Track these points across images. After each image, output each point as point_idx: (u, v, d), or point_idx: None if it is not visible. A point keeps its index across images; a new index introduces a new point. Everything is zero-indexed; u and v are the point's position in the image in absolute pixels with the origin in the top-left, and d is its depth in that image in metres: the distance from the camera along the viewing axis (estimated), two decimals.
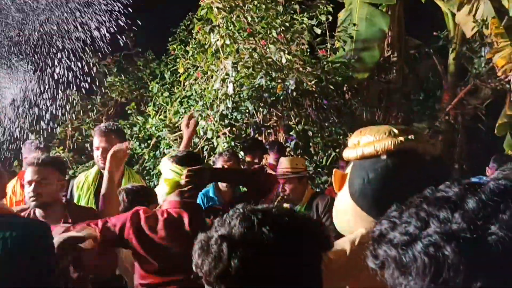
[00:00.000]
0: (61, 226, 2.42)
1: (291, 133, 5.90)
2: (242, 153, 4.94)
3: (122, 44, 7.34)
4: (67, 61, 6.59)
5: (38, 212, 2.89)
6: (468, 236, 0.68)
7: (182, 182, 2.51)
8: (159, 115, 6.58)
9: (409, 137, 1.45)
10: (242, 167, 4.90)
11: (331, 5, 6.15)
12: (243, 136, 5.60)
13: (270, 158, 5.33)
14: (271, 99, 5.67)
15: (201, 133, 5.57)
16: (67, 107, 7.09)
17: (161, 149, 6.16)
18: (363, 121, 7.00)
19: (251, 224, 0.92)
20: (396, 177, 1.44)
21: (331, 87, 5.76)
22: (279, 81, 5.58)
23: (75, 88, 7.04)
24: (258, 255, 0.95)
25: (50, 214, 2.85)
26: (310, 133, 5.90)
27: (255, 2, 5.61)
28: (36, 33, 6.26)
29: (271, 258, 0.95)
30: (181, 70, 6.62)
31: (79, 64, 6.68)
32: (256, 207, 1.00)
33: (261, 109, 5.77)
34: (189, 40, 6.83)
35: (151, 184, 6.28)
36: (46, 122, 6.80)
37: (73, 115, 7.32)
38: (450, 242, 0.68)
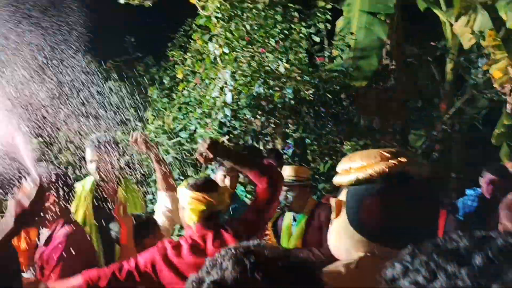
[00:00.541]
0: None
1: (288, 141, 5.93)
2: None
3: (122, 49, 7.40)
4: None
5: None
6: None
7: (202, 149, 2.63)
8: (158, 121, 6.60)
9: (401, 159, 1.47)
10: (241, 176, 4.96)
11: (330, 14, 6.18)
12: (241, 144, 5.63)
13: None
14: (269, 107, 5.71)
15: (199, 141, 5.60)
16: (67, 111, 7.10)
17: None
18: (361, 128, 7.04)
19: (243, 269, 0.93)
20: (392, 201, 1.45)
21: (329, 95, 5.80)
22: (277, 89, 5.62)
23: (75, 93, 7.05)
24: None
25: None
26: (308, 141, 5.93)
27: (254, 11, 5.63)
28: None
29: None
30: (180, 76, 6.65)
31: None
32: (249, 246, 0.99)
33: (259, 117, 5.81)
34: (188, 46, 6.86)
35: (148, 191, 6.32)
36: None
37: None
38: None
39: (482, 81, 6.56)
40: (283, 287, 0.96)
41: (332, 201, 1.56)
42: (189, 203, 2.59)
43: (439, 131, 6.98)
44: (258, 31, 5.67)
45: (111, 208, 3.63)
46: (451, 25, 6.94)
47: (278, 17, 5.77)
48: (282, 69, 5.47)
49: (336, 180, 1.56)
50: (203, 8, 5.58)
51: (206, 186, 2.61)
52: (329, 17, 6.17)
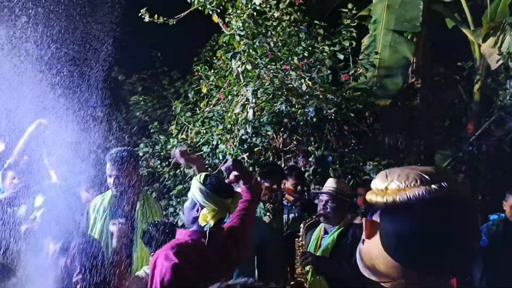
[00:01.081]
0: None
1: (310, 159, 5.89)
2: (258, 178, 4.96)
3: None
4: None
5: None
6: None
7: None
8: (181, 135, 6.66)
9: (443, 184, 1.38)
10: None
11: (355, 31, 6.15)
12: (261, 160, 5.62)
13: (288, 184, 5.34)
14: (291, 124, 5.70)
15: (220, 157, 5.62)
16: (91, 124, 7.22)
17: (181, 168, 6.22)
18: (384, 148, 6.95)
19: None
20: (432, 228, 1.37)
21: (352, 114, 5.76)
22: (299, 106, 5.61)
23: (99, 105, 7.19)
24: None
25: None
26: (330, 159, 5.88)
27: (278, 29, 5.65)
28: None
29: None
30: (204, 90, 6.71)
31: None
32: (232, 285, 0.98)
33: (281, 134, 5.80)
34: (213, 61, 6.93)
35: (170, 203, 6.36)
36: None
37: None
38: None
39: (510, 103, 6.42)
40: None
41: (365, 221, 1.49)
42: (205, 203, 2.55)
43: (465, 152, 6.83)
44: (281, 48, 5.68)
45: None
46: (479, 45, 6.84)
47: (302, 35, 5.78)
48: (304, 87, 5.45)
49: (371, 198, 1.48)
50: (227, 25, 5.63)
51: (226, 190, 2.62)
52: (354, 35, 6.13)
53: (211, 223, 2.54)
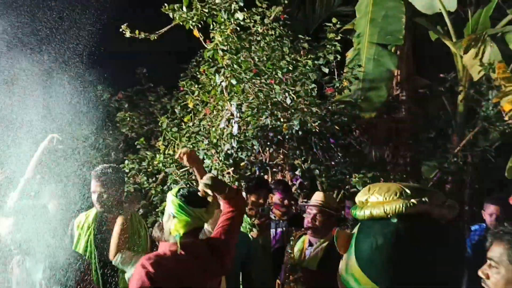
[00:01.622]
0: None
1: (296, 172, 5.89)
2: (244, 193, 4.95)
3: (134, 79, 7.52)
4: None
5: None
6: None
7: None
8: (168, 150, 6.63)
9: (423, 199, 1.35)
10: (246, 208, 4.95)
11: (339, 45, 6.20)
12: (247, 175, 5.61)
13: (275, 198, 5.33)
14: (277, 138, 5.70)
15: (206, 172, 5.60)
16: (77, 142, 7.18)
17: (168, 184, 6.18)
18: (370, 160, 6.98)
19: None
20: (407, 244, 1.32)
21: (337, 127, 5.78)
22: (285, 120, 5.62)
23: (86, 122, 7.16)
24: None
25: None
26: (317, 172, 5.89)
27: (262, 44, 5.69)
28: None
29: None
30: (190, 106, 6.70)
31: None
32: None
33: (267, 148, 5.80)
34: (198, 76, 6.94)
35: (157, 219, 6.31)
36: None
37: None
38: None
39: (493, 114, 6.48)
40: None
41: (337, 233, 1.47)
42: (176, 213, 2.60)
43: (450, 163, 6.87)
44: (266, 62, 5.71)
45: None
46: (461, 56, 6.92)
47: (286, 49, 5.81)
48: (289, 101, 5.48)
49: (351, 212, 1.48)
50: (210, 40, 5.66)
51: (197, 200, 2.66)
52: (339, 49, 6.18)
53: (181, 232, 2.58)
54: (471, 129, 7.19)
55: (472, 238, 4.25)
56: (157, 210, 6.27)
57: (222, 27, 5.56)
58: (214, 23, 5.69)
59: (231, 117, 5.49)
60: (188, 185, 5.62)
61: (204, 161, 5.68)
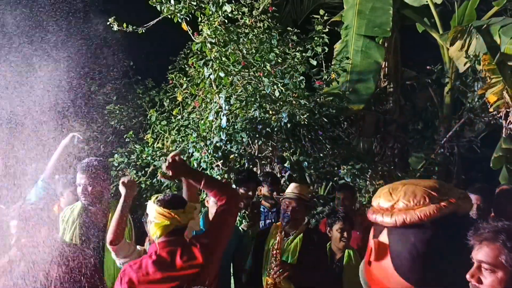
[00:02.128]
0: None
1: (285, 164, 5.92)
2: (234, 185, 4.97)
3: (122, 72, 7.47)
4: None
5: None
6: None
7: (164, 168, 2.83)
8: (157, 143, 6.62)
9: (451, 200, 1.36)
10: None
11: (327, 37, 6.22)
12: (237, 167, 5.63)
13: (264, 190, 5.35)
14: (266, 130, 5.72)
15: (195, 165, 5.61)
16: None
17: (158, 178, 6.18)
18: (359, 152, 7.03)
19: None
20: (444, 246, 1.35)
21: (325, 119, 5.81)
22: (273, 113, 5.64)
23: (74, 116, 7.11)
24: None
25: None
26: (306, 164, 5.92)
27: (250, 36, 5.69)
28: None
29: None
30: (179, 99, 6.69)
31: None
32: None
33: (256, 140, 5.82)
34: (187, 69, 6.93)
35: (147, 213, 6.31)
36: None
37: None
38: None
39: (478, 105, 6.56)
40: None
41: (372, 243, 1.45)
42: (154, 218, 2.67)
43: (437, 155, 6.95)
44: (254, 55, 5.72)
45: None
46: (448, 48, 6.98)
47: (274, 41, 5.82)
48: (277, 93, 5.50)
49: (376, 217, 1.44)
50: (198, 33, 5.65)
51: (173, 202, 2.71)
52: (327, 41, 6.20)
53: (158, 233, 2.66)
54: (457, 120, 7.28)
55: None
56: (146, 203, 6.28)
57: (210, 19, 5.56)
58: (202, 16, 5.68)
59: (219, 109, 5.50)
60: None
61: (193, 154, 5.69)
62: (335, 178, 6.00)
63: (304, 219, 4.06)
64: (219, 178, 5.36)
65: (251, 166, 5.85)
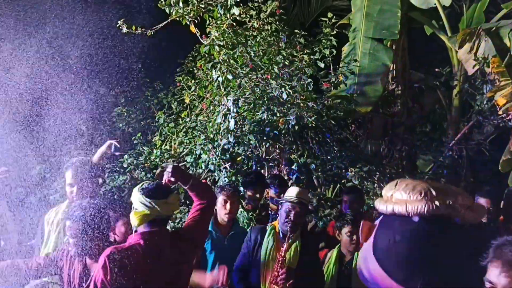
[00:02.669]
0: None
1: (293, 167, 5.93)
2: (241, 188, 4.98)
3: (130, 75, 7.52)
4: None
5: None
6: None
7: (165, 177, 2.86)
8: (165, 145, 6.65)
9: (447, 202, 1.34)
10: (243, 202, 4.97)
11: (335, 39, 6.23)
12: (244, 169, 5.64)
13: (271, 192, 5.36)
14: (274, 132, 5.73)
15: (203, 167, 5.63)
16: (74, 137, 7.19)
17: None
18: (367, 154, 7.02)
19: None
20: (426, 244, 1.34)
21: (332, 121, 5.81)
22: (281, 115, 5.65)
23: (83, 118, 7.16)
24: None
25: None
26: (313, 166, 5.92)
27: (258, 38, 5.71)
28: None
29: None
30: (187, 101, 6.72)
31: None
32: None
33: (263, 143, 5.83)
34: (195, 71, 6.95)
35: None
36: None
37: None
38: None
39: (487, 107, 6.53)
40: None
41: (362, 224, 1.49)
42: (135, 206, 2.67)
43: (445, 157, 6.92)
44: (262, 57, 5.73)
45: None
46: (456, 51, 6.96)
47: (282, 44, 5.84)
48: (285, 96, 5.50)
49: (376, 203, 1.50)
50: (206, 36, 5.67)
51: (155, 192, 2.70)
52: (335, 43, 6.21)
53: (136, 222, 2.65)
54: (466, 123, 7.24)
55: None
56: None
57: (218, 22, 5.58)
58: (210, 18, 5.70)
59: (227, 112, 5.51)
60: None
61: (201, 156, 5.71)
62: (342, 181, 5.99)
63: (304, 222, 4.07)
64: (227, 180, 5.38)
65: (258, 168, 5.86)
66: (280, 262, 3.71)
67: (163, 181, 2.85)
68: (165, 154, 6.34)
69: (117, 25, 5.56)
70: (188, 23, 5.64)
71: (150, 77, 8.20)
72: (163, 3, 5.63)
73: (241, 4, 5.74)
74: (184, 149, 6.23)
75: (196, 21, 5.68)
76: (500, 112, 5.81)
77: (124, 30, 5.55)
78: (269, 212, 5.27)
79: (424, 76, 7.89)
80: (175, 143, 6.54)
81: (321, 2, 9.42)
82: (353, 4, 7.48)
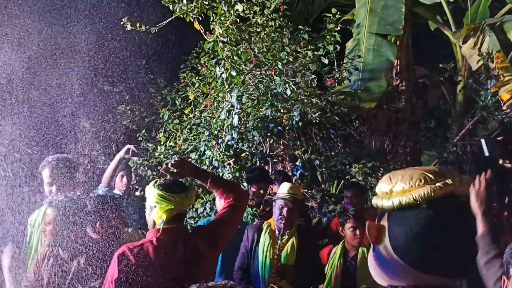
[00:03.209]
0: None
1: (297, 163, 5.94)
2: (245, 184, 5.00)
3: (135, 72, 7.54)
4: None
5: None
6: None
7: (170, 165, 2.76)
8: (169, 142, 6.67)
9: (447, 181, 1.37)
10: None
11: (339, 36, 6.22)
12: (248, 165, 5.66)
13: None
14: (278, 129, 5.74)
15: (207, 163, 5.65)
16: (78, 135, 7.22)
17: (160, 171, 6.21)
18: (371, 150, 7.01)
19: None
20: (440, 226, 1.36)
21: (336, 117, 5.82)
22: (285, 111, 5.66)
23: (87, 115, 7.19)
24: None
25: None
26: (317, 162, 5.93)
27: (261, 35, 5.71)
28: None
29: None
30: (191, 97, 6.73)
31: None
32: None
33: (267, 139, 5.84)
34: (199, 68, 6.96)
35: None
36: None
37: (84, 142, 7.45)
38: None
39: (492, 103, 6.51)
40: None
41: (370, 226, 1.47)
42: (157, 202, 2.64)
43: (450, 153, 6.91)
44: (266, 54, 5.73)
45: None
46: (461, 46, 6.94)
47: (286, 40, 5.84)
48: (289, 92, 5.51)
49: (376, 202, 1.47)
50: (210, 32, 5.69)
51: (175, 186, 2.69)
52: (338, 39, 6.20)
53: (164, 217, 2.63)
54: (470, 119, 7.22)
55: None
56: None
57: (222, 18, 5.58)
58: (214, 15, 5.71)
59: (231, 108, 5.52)
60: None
61: (205, 152, 5.73)
62: (346, 177, 6.00)
63: (297, 216, 4.00)
64: (231, 176, 5.39)
65: (262, 164, 5.88)
66: (275, 259, 3.72)
67: (162, 169, 2.85)
68: (170, 151, 6.35)
69: (122, 23, 5.57)
70: (192, 20, 5.65)
71: (154, 74, 8.20)
72: (167, 0, 5.64)
73: (244, 1, 5.75)
74: (189, 146, 6.24)
75: (200, 18, 5.69)
76: (504, 108, 5.80)
77: (129, 27, 5.56)
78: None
79: (428, 72, 7.87)
80: (179, 140, 6.55)
81: None
82: (357, 0, 7.46)
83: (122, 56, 6.56)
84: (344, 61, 6.46)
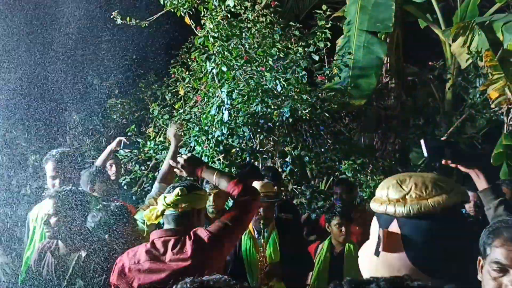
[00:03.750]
0: None
1: (286, 159, 5.95)
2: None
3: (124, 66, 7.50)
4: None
5: None
6: None
7: (177, 171, 2.85)
8: (159, 137, 6.64)
9: (458, 190, 1.42)
10: None
11: (330, 32, 6.22)
12: (238, 161, 5.65)
13: None
14: (268, 125, 5.74)
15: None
16: (68, 128, 7.18)
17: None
18: (360, 147, 7.05)
19: None
20: (456, 234, 1.40)
21: (326, 114, 5.83)
22: (275, 107, 5.66)
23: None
24: None
25: None
26: (307, 159, 5.94)
27: (252, 30, 5.70)
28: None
29: None
30: (181, 93, 6.71)
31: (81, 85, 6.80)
32: (202, 282, 0.98)
33: (257, 135, 5.84)
34: (189, 63, 6.93)
35: None
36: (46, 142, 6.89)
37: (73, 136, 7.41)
38: None
39: (480, 101, 6.57)
40: None
41: (381, 232, 1.45)
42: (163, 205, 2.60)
43: None
44: (256, 50, 5.72)
45: None
46: (450, 44, 6.98)
47: (277, 36, 5.83)
48: (279, 88, 5.51)
49: (386, 209, 1.46)
50: (201, 27, 5.66)
51: (193, 187, 2.68)
52: (329, 36, 6.20)
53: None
54: (458, 116, 7.28)
55: None
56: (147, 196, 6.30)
57: (213, 13, 5.56)
58: (205, 10, 5.69)
59: (221, 104, 5.51)
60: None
61: (195, 148, 5.71)
62: (336, 173, 6.03)
63: (273, 214, 3.97)
64: None
65: (252, 160, 5.87)
66: (262, 261, 3.71)
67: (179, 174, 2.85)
68: (159, 146, 6.33)
69: (111, 16, 5.53)
70: (182, 14, 5.62)
71: (144, 69, 8.18)
72: None
73: None
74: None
75: (191, 13, 5.66)
76: (492, 106, 5.85)
77: (118, 21, 5.52)
78: None
79: (418, 70, 7.91)
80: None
81: None
82: None
83: (112, 50, 6.54)
84: (335, 58, 6.47)
